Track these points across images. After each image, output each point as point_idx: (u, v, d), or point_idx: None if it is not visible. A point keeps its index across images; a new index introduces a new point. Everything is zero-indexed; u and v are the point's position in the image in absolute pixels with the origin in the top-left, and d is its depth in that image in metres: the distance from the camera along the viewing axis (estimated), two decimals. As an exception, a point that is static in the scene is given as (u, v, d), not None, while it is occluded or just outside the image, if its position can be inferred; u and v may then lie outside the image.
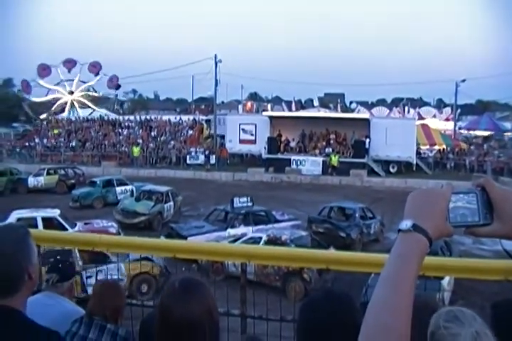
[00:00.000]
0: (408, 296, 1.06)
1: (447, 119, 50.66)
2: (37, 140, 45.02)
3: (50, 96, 52.62)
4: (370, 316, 1.05)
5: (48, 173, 29.65)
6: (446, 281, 10.56)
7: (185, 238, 14.84)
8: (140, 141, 42.74)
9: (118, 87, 52.86)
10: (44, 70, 51.20)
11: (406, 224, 1.11)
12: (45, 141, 44.84)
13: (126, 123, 49.01)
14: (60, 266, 2.96)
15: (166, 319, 1.80)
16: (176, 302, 1.79)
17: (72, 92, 52.56)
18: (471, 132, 48.75)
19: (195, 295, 1.81)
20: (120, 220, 19.85)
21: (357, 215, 18.53)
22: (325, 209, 19.53)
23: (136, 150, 39.16)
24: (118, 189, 25.42)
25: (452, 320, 1.13)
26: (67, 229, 15.17)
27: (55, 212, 17.08)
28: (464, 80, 46.14)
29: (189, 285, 1.86)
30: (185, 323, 1.76)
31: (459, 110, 51.38)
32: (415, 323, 1.18)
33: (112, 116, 53.38)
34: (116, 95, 57.07)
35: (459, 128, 49.53)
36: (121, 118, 52.18)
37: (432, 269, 3.51)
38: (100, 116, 51.39)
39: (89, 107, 53.37)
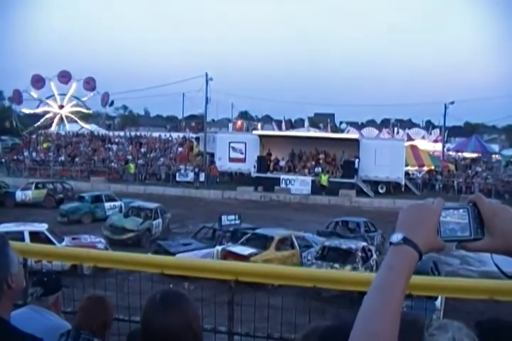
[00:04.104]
0: (396, 306, 1.09)
1: (436, 141, 50.93)
2: (26, 153, 44.70)
3: (40, 109, 52.43)
4: (358, 324, 1.08)
5: (37, 187, 29.43)
6: (439, 301, 10.63)
7: (173, 255, 14.77)
8: (130, 157, 42.67)
9: (111, 104, 52.75)
10: (38, 82, 50.96)
11: (397, 237, 1.15)
12: (34, 154, 44.57)
13: (116, 139, 48.87)
14: (45, 279, 2.94)
15: (146, 331, 1.83)
16: (155, 315, 1.82)
17: (62, 106, 52.39)
18: (460, 154, 49.11)
19: (174, 307, 1.84)
20: (108, 236, 19.74)
21: (361, 228, 20.14)
22: (331, 223, 21.22)
23: (132, 166, 39.39)
24: (107, 205, 25.32)
25: (439, 328, 1.18)
26: (54, 244, 14.99)
27: (42, 227, 16.92)
28: (452, 102, 46.49)
29: (169, 297, 1.89)
30: (164, 335, 1.78)
31: (447, 132, 51.81)
32: (405, 339, 1.21)
33: (102, 131, 53.25)
34: (107, 113, 56.91)
35: (448, 150, 49.85)
36: (111, 133, 52.03)
37: (420, 288, 3.53)
38: (90, 131, 51.19)
39: (78, 123, 53.21)
